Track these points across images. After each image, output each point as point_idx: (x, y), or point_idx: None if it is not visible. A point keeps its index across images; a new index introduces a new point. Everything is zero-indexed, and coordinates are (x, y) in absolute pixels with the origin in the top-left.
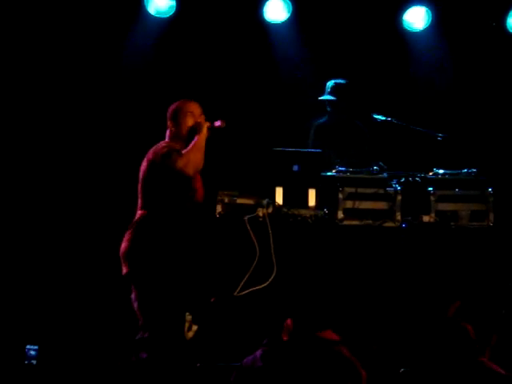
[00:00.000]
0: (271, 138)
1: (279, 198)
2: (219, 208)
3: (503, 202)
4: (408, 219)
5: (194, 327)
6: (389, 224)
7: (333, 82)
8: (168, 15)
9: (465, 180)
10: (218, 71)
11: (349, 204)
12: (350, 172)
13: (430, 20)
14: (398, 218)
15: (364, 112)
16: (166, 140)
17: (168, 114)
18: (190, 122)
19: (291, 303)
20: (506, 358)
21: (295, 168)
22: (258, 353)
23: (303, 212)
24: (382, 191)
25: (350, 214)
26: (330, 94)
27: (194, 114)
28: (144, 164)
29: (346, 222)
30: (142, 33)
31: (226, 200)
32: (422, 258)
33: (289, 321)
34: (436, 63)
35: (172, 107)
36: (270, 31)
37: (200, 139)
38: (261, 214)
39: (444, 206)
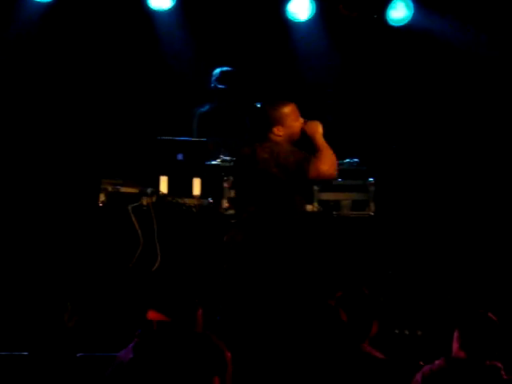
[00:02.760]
0: (155, 126)
1: (163, 187)
2: (102, 197)
3: (384, 191)
4: None
5: (75, 317)
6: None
7: (219, 70)
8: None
9: (346, 170)
10: (98, 59)
11: (233, 193)
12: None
13: (313, 11)
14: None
15: (249, 101)
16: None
17: (272, 119)
18: (299, 123)
19: (174, 292)
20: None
21: (179, 157)
22: (131, 344)
23: (188, 201)
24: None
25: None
26: (216, 82)
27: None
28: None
29: (230, 211)
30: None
31: (110, 189)
32: (305, 246)
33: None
34: (320, 54)
35: (277, 112)
36: (154, 19)
37: (322, 138)
38: (145, 202)
39: (326, 196)
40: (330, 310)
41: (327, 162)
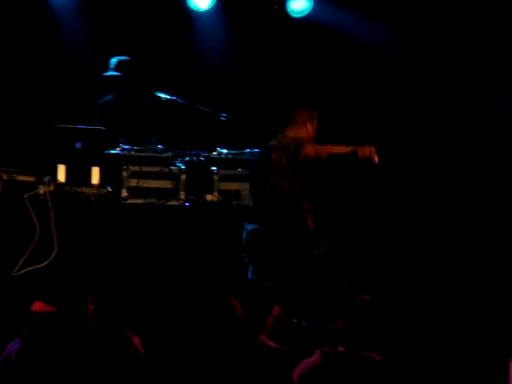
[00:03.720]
0: (53, 114)
1: (61, 176)
2: None
3: None
4: (192, 198)
5: None
6: (173, 203)
7: (116, 58)
8: None
9: (248, 160)
10: None
11: (133, 182)
12: (135, 150)
13: (214, 0)
14: (182, 196)
15: (149, 90)
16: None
17: (308, 117)
18: None
19: (72, 282)
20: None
21: (78, 145)
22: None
23: (86, 190)
24: (166, 170)
25: (134, 192)
26: (114, 70)
27: None
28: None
29: (130, 201)
30: None
31: (5, 177)
32: (206, 236)
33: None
34: (220, 44)
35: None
36: (55, 7)
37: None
38: (42, 191)
39: (227, 185)
40: (223, 303)
41: None
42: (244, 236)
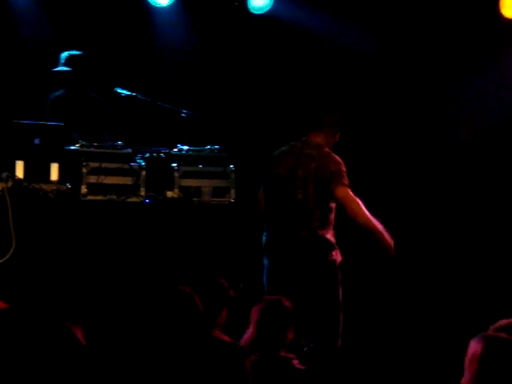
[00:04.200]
0: (11, 110)
1: (19, 172)
2: None
3: (244, 178)
4: (152, 195)
5: None
6: (133, 199)
7: (67, 53)
8: None
9: (208, 157)
10: None
11: (93, 179)
12: (94, 146)
13: None
14: (142, 193)
15: (106, 85)
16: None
17: (340, 123)
18: None
19: (29, 279)
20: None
21: (36, 141)
22: None
23: (45, 187)
24: (126, 166)
25: (93, 188)
26: (64, 65)
27: None
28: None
29: (89, 197)
30: None
31: None
32: (166, 232)
33: None
34: (181, 40)
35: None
36: (11, 1)
37: None
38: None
39: (187, 182)
40: (184, 297)
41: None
42: (265, 239)
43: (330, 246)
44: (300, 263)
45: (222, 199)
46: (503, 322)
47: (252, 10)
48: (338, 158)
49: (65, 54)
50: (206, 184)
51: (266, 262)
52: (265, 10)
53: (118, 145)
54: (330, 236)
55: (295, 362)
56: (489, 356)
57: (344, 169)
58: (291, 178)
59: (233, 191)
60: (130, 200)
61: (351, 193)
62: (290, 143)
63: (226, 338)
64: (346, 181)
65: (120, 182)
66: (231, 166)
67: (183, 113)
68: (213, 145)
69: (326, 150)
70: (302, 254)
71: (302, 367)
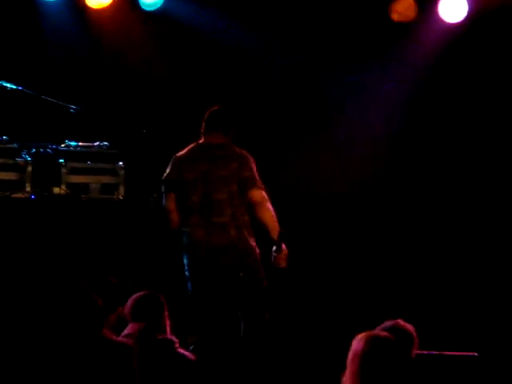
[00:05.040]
0: None
1: None
2: None
3: (134, 175)
4: (38, 191)
5: None
6: (18, 195)
7: None
8: None
9: (97, 153)
10: None
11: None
12: None
13: None
14: (28, 189)
15: None
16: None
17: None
18: None
19: None
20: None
21: None
22: None
23: None
24: (11, 161)
25: None
26: None
27: None
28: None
29: None
30: None
31: None
32: (52, 229)
33: None
34: (70, 35)
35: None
36: None
37: None
38: None
39: (75, 179)
40: (82, 294)
41: None
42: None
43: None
44: (224, 256)
45: (110, 196)
46: (389, 322)
47: (143, 6)
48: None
49: None
50: (94, 180)
51: (186, 261)
52: (156, 7)
53: (3, 139)
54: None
55: (177, 346)
56: (370, 353)
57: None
58: (209, 178)
59: (122, 188)
60: (15, 196)
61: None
62: (189, 146)
63: (115, 338)
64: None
65: (4, 178)
66: (121, 163)
67: (72, 108)
68: (101, 141)
69: (236, 148)
70: (228, 248)
71: (184, 352)
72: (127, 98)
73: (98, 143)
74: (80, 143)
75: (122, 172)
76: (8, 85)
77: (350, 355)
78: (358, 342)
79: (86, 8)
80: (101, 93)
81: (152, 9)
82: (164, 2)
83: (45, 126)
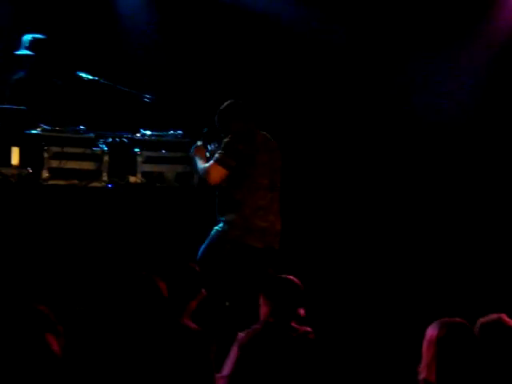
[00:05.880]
0: None
1: None
2: None
3: None
4: (114, 180)
5: None
6: (95, 184)
7: (30, 36)
8: None
9: (171, 142)
10: None
11: (54, 163)
12: (56, 131)
13: None
14: (105, 178)
15: (67, 69)
16: None
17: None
18: None
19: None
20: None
21: None
22: None
23: (5, 171)
24: (88, 151)
25: (55, 173)
26: (28, 49)
27: None
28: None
29: (51, 182)
30: None
31: None
32: (129, 217)
33: None
34: (144, 25)
35: None
36: None
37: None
38: None
39: (150, 167)
40: (149, 284)
41: None
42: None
43: None
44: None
45: (185, 184)
46: (493, 316)
47: None
48: None
49: (28, 38)
50: (168, 169)
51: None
52: None
53: (80, 129)
54: None
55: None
56: (445, 338)
57: None
58: (275, 168)
59: (196, 176)
60: (92, 185)
61: None
62: (259, 131)
63: (193, 326)
64: None
65: (82, 167)
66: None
67: (146, 97)
68: (176, 130)
69: None
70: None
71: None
72: (200, 87)
73: (171, 132)
74: (154, 132)
75: None
76: (84, 75)
77: (425, 344)
78: (432, 329)
79: None
80: (174, 82)
81: None
82: None
83: (120, 115)
